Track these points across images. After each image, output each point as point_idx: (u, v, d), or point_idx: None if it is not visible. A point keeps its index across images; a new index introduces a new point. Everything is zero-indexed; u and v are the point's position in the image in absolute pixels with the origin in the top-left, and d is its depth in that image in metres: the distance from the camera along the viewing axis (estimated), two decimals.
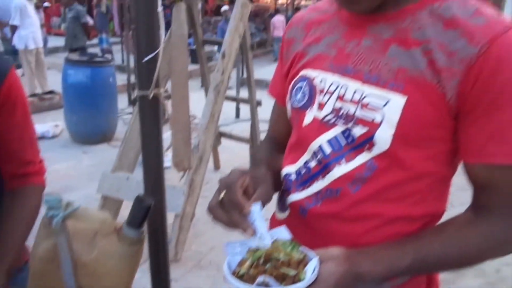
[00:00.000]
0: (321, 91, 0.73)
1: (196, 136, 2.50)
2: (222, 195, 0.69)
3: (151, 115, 0.94)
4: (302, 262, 0.60)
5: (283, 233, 0.65)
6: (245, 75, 3.85)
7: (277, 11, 12.94)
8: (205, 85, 3.53)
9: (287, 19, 11.14)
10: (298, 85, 0.78)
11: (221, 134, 3.69)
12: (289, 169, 0.79)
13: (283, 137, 0.88)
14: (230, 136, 3.67)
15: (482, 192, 0.67)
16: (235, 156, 4.30)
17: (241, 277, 0.59)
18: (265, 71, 9.33)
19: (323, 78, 0.73)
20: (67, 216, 0.73)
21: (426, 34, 0.64)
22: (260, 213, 0.67)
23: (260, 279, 0.56)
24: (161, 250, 1.02)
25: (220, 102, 2.50)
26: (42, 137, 4.71)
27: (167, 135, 4.34)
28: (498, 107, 0.61)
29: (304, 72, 0.77)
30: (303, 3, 15.34)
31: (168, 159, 4.09)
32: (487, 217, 0.66)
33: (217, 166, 3.93)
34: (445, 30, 0.63)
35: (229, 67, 2.57)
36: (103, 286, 0.77)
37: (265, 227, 0.66)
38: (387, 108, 0.65)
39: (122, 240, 0.76)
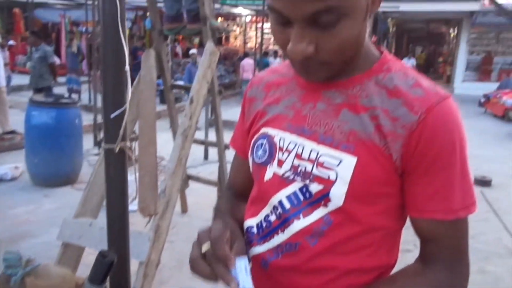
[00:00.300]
0: (281, 149, 0.78)
1: (163, 180, 2.49)
2: (204, 248, 0.70)
3: (116, 167, 0.96)
4: None
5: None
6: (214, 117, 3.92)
7: (246, 54, 13.35)
8: (173, 127, 3.55)
9: (256, 63, 11.50)
10: (259, 142, 0.82)
11: (189, 177, 3.68)
12: (251, 222, 0.83)
13: (244, 187, 0.92)
14: (198, 179, 3.67)
15: (427, 244, 0.73)
16: (203, 198, 4.27)
17: None
18: (234, 112, 9.49)
19: (282, 137, 0.78)
20: (27, 274, 0.72)
21: (373, 101, 0.71)
22: (246, 268, 0.68)
23: None
24: None
25: (187, 146, 2.53)
26: (0, 180, 4.54)
27: (132, 178, 4.26)
28: (436, 169, 0.68)
29: (265, 130, 0.82)
30: (270, 47, 15.91)
31: (133, 202, 4.01)
32: (433, 267, 0.71)
33: (184, 209, 3.89)
34: (389, 98, 0.70)
35: (197, 112, 2.62)
36: None
37: (250, 281, 0.67)
38: (340, 167, 0.70)
39: None
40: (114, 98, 0.92)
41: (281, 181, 0.77)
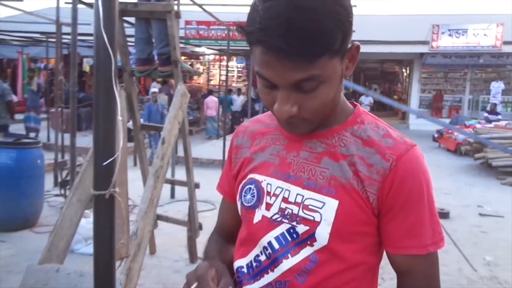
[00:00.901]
0: (268, 193, 0.85)
1: (135, 222, 2.47)
2: (192, 287, 0.75)
3: (106, 213, 0.99)
4: None
5: None
6: (179, 154, 3.93)
7: (210, 92, 13.55)
8: (142, 167, 3.54)
9: (220, 100, 11.70)
10: (247, 186, 0.89)
11: (158, 217, 3.64)
12: (241, 262, 0.88)
13: (232, 229, 0.98)
14: (167, 219, 3.63)
15: (402, 277, 0.82)
16: (171, 239, 4.20)
17: None
18: (199, 148, 9.52)
19: (269, 182, 0.85)
20: None
21: (350, 149, 0.80)
22: None
23: None
24: None
25: (159, 187, 2.53)
26: None
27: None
28: (408, 209, 0.77)
29: (252, 176, 0.89)
30: (234, 85, 16.26)
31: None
32: None
33: (152, 251, 3.81)
34: (364, 147, 0.80)
35: (168, 153, 2.65)
36: None
37: None
38: (324, 209, 0.78)
39: None
40: (105, 146, 0.96)
41: (270, 223, 0.83)
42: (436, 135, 11.37)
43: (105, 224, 0.98)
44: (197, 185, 3.41)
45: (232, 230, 0.97)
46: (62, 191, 5.30)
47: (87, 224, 3.57)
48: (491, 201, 6.30)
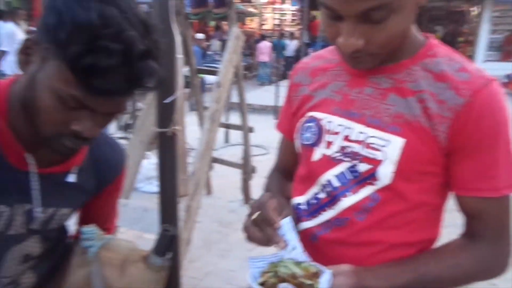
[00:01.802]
0: (328, 131, 0.83)
1: (193, 163, 2.57)
2: (254, 215, 0.77)
3: (168, 150, 1.03)
4: (317, 275, 0.69)
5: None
6: (233, 100, 3.97)
7: (263, 37, 13.25)
8: (199, 110, 3.62)
9: (273, 45, 11.44)
10: (307, 125, 0.87)
11: (214, 160, 3.76)
12: (299, 199, 0.89)
13: (291, 167, 0.98)
14: (222, 162, 3.74)
15: (472, 220, 0.78)
16: (226, 181, 4.36)
17: (262, 285, 0.68)
18: (251, 94, 9.52)
19: (329, 120, 0.83)
20: (101, 247, 0.80)
21: (420, 85, 0.75)
22: (290, 226, 0.75)
23: (281, 286, 0.65)
24: (173, 277, 1.08)
25: (215, 130, 2.59)
26: None
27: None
28: (482, 149, 0.72)
29: (312, 114, 0.87)
30: (287, 29, 15.76)
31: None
32: (478, 243, 0.76)
33: (209, 192, 3.99)
34: (435, 82, 0.74)
35: (224, 96, 2.68)
36: None
37: (296, 238, 0.74)
38: (388, 148, 0.75)
39: (148, 267, 0.83)
40: (167, 84, 0.98)
41: (330, 162, 0.82)
42: (505, 81, 10.50)
43: (168, 160, 1.02)
44: (251, 129, 3.45)
45: (291, 168, 0.98)
46: (125, 134, 5.61)
47: (148, 164, 3.78)
48: None
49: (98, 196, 0.98)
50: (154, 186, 3.95)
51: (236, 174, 4.14)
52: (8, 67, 5.99)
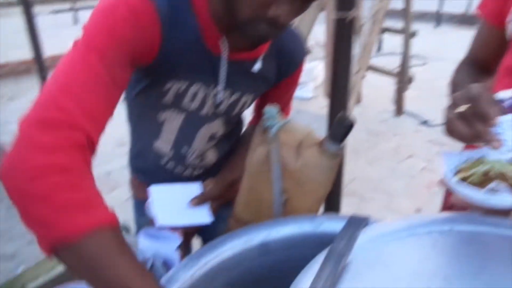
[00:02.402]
0: None
1: None
2: (461, 108, 0.67)
3: (346, 37, 0.96)
4: None
5: None
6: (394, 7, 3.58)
7: None
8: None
9: None
10: None
11: (367, 67, 3.57)
12: (505, 94, 0.75)
13: (487, 59, 0.84)
14: (377, 70, 3.53)
15: None
16: (377, 91, 4.16)
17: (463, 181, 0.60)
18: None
19: None
20: (280, 127, 0.82)
21: None
22: (510, 124, 0.64)
23: (492, 184, 0.57)
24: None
25: (376, 31, 2.40)
26: None
27: (312, 65, 4.36)
28: None
29: None
30: None
31: (309, 89, 4.16)
32: None
33: (358, 100, 3.87)
34: None
35: None
36: (304, 191, 0.86)
37: None
38: None
39: (323, 153, 0.83)
40: None
41: None
42: None
43: (344, 47, 0.97)
44: (413, 34, 3.11)
45: (486, 62, 0.83)
46: None
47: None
48: None
49: (276, 86, 0.99)
50: (306, 92, 4.00)
51: (388, 85, 3.90)
52: None
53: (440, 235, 0.62)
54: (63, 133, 0.58)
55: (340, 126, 0.83)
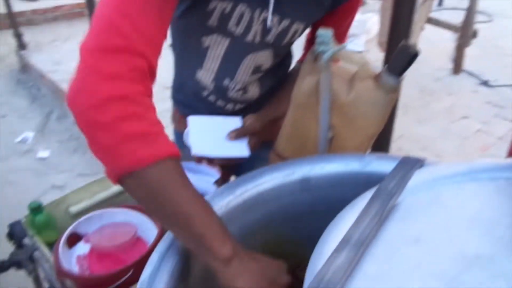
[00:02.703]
0: None
1: None
2: None
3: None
4: None
5: None
6: None
7: None
8: None
9: None
10: None
11: (427, 20, 3.30)
12: None
13: None
14: (438, 23, 3.25)
15: None
16: (434, 47, 3.88)
17: None
18: None
19: None
20: (334, 54, 0.74)
21: None
22: None
23: None
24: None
25: None
26: None
27: (366, 16, 4.10)
28: None
29: None
30: None
31: (361, 42, 3.95)
32: None
33: None
34: None
35: None
36: (354, 128, 0.79)
37: None
38: None
39: (379, 86, 0.75)
40: None
41: None
42: None
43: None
44: None
45: None
46: None
47: None
48: None
49: (332, 13, 0.90)
50: (357, 45, 3.80)
51: (447, 41, 3.62)
52: None
53: (506, 182, 0.54)
54: (126, 60, 0.57)
55: (402, 56, 0.73)
